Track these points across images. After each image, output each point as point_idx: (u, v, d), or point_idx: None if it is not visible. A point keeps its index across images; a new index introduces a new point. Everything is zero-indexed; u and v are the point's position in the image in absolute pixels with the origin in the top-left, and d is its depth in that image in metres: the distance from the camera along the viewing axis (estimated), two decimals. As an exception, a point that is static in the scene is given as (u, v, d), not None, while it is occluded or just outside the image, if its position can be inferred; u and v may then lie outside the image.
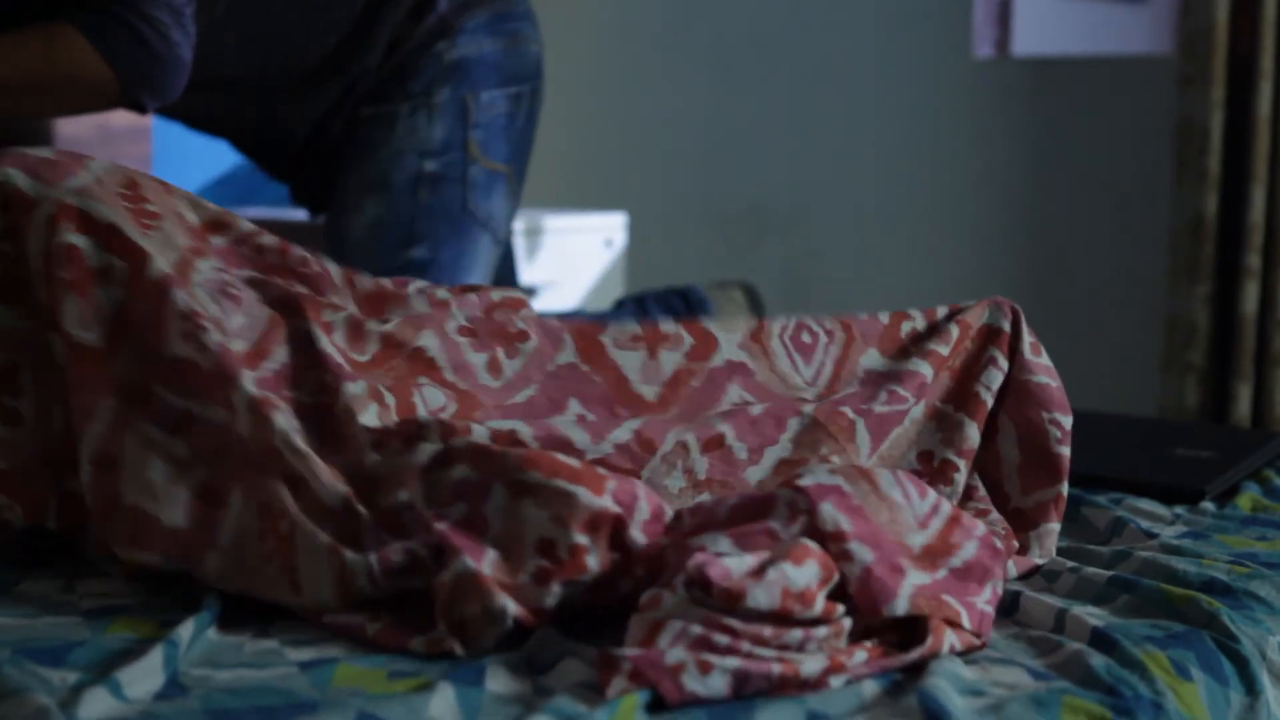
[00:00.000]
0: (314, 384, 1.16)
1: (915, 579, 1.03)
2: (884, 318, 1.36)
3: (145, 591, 1.13)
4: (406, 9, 2.13)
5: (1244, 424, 2.90)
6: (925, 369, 1.31)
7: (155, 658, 0.96)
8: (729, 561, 0.97)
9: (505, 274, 2.41)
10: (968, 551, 1.07)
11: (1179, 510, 1.49)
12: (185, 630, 1.01)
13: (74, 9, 1.84)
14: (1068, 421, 1.32)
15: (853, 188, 3.47)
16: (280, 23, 2.08)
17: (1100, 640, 1.05)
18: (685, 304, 2.47)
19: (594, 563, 1.03)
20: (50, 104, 1.92)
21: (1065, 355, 3.32)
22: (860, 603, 1.01)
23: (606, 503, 1.04)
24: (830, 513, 1.03)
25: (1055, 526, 1.29)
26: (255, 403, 1.10)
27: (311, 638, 1.04)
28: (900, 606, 1.01)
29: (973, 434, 1.31)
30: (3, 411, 1.18)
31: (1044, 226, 3.32)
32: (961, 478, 1.29)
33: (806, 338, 1.31)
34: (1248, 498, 1.54)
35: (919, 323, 1.36)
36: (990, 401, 1.32)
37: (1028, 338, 1.37)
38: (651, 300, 2.46)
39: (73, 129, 2.52)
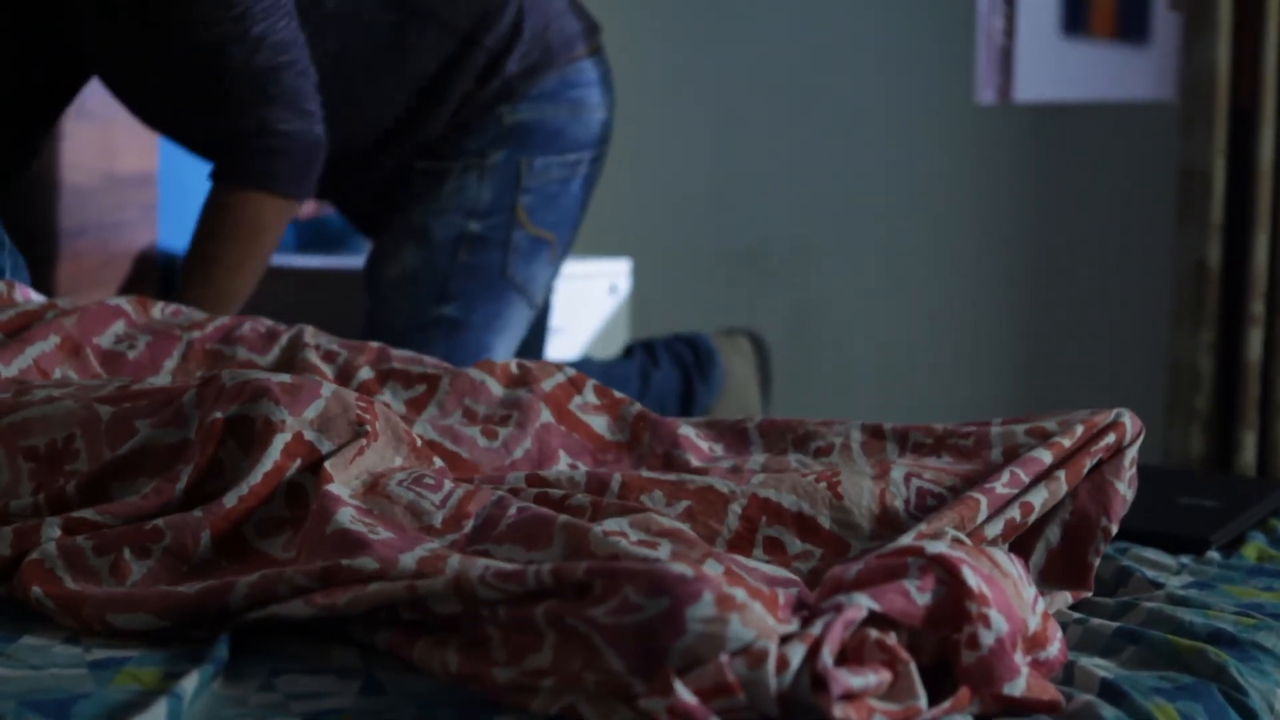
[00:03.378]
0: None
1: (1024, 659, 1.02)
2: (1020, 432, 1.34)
3: (150, 643, 1.12)
4: (475, 73, 2.14)
5: (1249, 471, 2.90)
6: (1046, 456, 1.31)
7: (159, 711, 0.95)
8: (855, 681, 0.93)
9: (536, 334, 2.42)
10: (1053, 649, 1.07)
11: (1184, 560, 1.48)
12: (189, 683, 1.00)
13: (221, 154, 1.93)
14: (1111, 533, 1.32)
15: (856, 231, 3.48)
16: (351, 87, 2.11)
17: (1109, 692, 1.05)
18: (694, 353, 2.47)
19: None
20: (266, 257, 2.01)
21: (1069, 400, 3.33)
22: (978, 672, 0.99)
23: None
24: (974, 577, 1.01)
25: (1068, 598, 1.29)
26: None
27: (316, 689, 1.04)
28: (1019, 687, 1.00)
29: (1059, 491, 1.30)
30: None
31: (1047, 271, 3.32)
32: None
33: (931, 502, 1.28)
34: (1254, 547, 1.53)
35: (1050, 424, 1.35)
36: (1086, 469, 1.32)
37: (1133, 451, 1.36)
38: (661, 348, 2.46)
39: (78, 177, 2.53)
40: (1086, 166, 3.29)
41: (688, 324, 3.61)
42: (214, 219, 1.98)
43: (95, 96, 2.55)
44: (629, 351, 2.47)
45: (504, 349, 2.18)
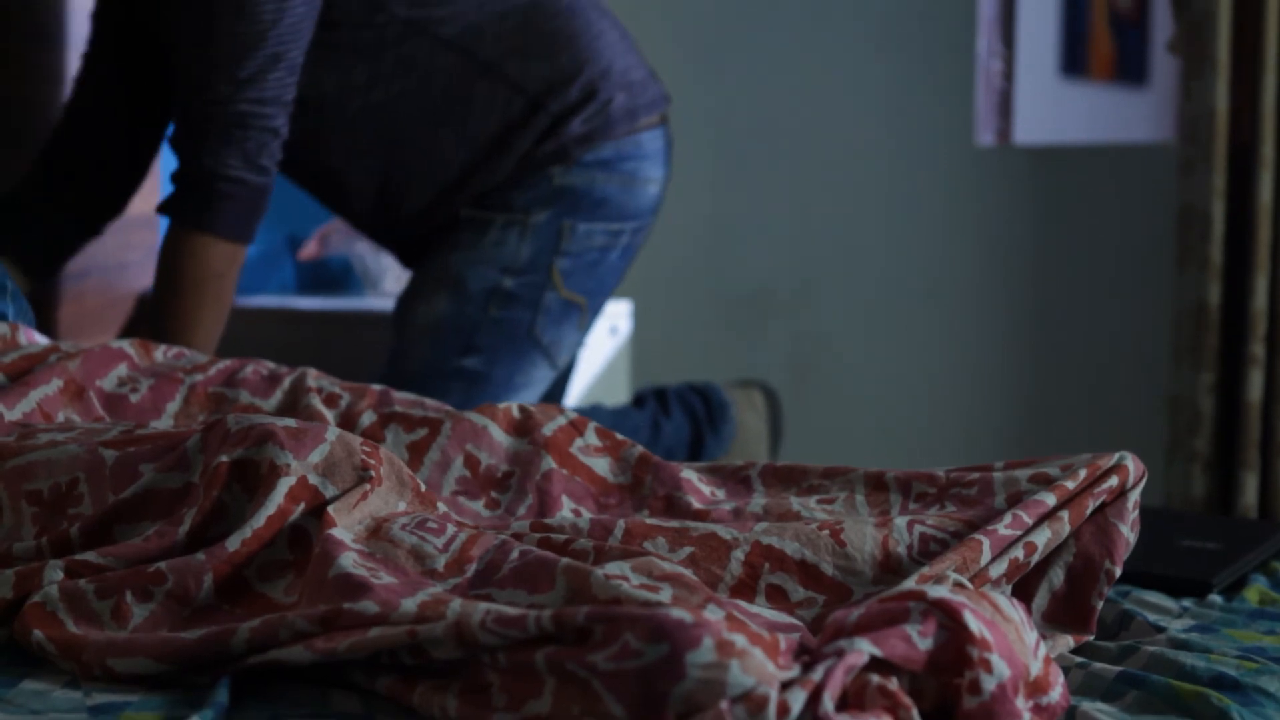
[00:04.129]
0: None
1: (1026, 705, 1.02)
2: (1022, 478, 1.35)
3: (150, 688, 1.12)
4: (536, 134, 2.15)
5: (1251, 513, 2.90)
6: (1049, 499, 1.31)
7: (161, 756, 0.95)
8: None
9: (555, 396, 2.42)
10: (1055, 694, 1.07)
11: (1186, 603, 1.48)
12: (191, 728, 1.01)
13: (177, 192, 1.97)
14: (1115, 575, 1.32)
15: (857, 273, 3.49)
16: (410, 132, 2.13)
17: (1110, 737, 1.05)
18: (705, 404, 2.46)
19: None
20: (223, 303, 2.04)
21: (1069, 438, 3.33)
22: (980, 717, 0.98)
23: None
24: (975, 622, 1.01)
25: (1070, 642, 1.29)
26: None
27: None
28: None
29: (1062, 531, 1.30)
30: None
31: (1047, 312, 3.33)
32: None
33: (934, 547, 1.28)
34: (1255, 590, 1.53)
35: (1053, 469, 1.36)
36: (1089, 510, 1.32)
37: (1135, 494, 1.36)
38: (673, 397, 2.46)
39: (82, 218, 2.53)
40: (1086, 207, 3.30)
41: (689, 366, 3.62)
42: (168, 266, 2.01)
43: (99, 139, 2.56)
44: (640, 400, 2.47)
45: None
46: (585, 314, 2.23)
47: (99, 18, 2.21)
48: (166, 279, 2.01)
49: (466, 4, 2.13)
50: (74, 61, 2.50)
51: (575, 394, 3.02)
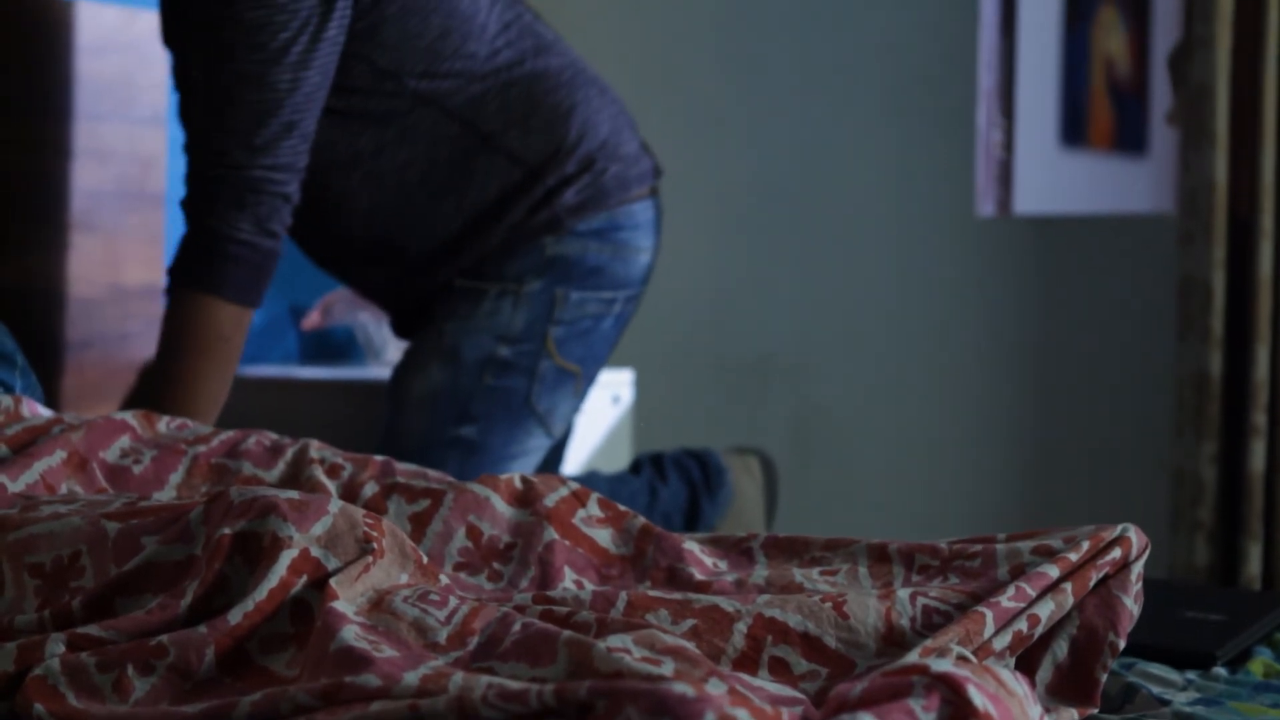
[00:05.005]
0: None
1: None
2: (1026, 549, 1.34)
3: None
4: (530, 204, 2.17)
5: (1254, 584, 2.89)
6: (1053, 571, 1.31)
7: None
8: None
9: (552, 464, 2.42)
10: None
11: (1190, 675, 1.47)
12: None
13: (184, 254, 1.99)
14: (1119, 648, 1.32)
15: (858, 342, 3.49)
16: (411, 199, 2.14)
17: (1116, 812, 1.04)
18: (702, 470, 2.46)
19: None
20: (228, 368, 2.03)
21: (1072, 508, 3.32)
22: None
23: None
24: (979, 696, 1.01)
25: (1075, 716, 1.29)
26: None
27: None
28: None
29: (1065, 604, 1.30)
30: None
31: (1049, 382, 3.33)
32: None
33: (937, 620, 1.28)
34: (1260, 663, 1.53)
35: (1056, 541, 1.36)
36: (1092, 582, 1.32)
37: (1139, 566, 1.36)
38: (669, 463, 2.46)
39: (84, 290, 2.54)
40: (1087, 278, 3.31)
41: (691, 434, 3.61)
42: (173, 329, 2.01)
43: (103, 209, 2.58)
44: (637, 466, 2.47)
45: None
46: (580, 382, 2.24)
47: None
48: (171, 342, 2.01)
49: (474, 75, 2.15)
50: (81, 134, 2.52)
51: (578, 462, 3.02)
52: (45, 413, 1.63)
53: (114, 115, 2.59)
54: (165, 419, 1.64)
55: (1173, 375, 3.08)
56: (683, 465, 2.46)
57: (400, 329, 2.37)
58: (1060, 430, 3.32)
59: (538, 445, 2.21)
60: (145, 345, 2.69)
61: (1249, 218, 2.98)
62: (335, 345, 3.14)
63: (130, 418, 1.60)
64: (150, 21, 2.68)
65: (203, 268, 1.99)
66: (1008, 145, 3.51)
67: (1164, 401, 3.14)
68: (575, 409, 2.26)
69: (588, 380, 2.26)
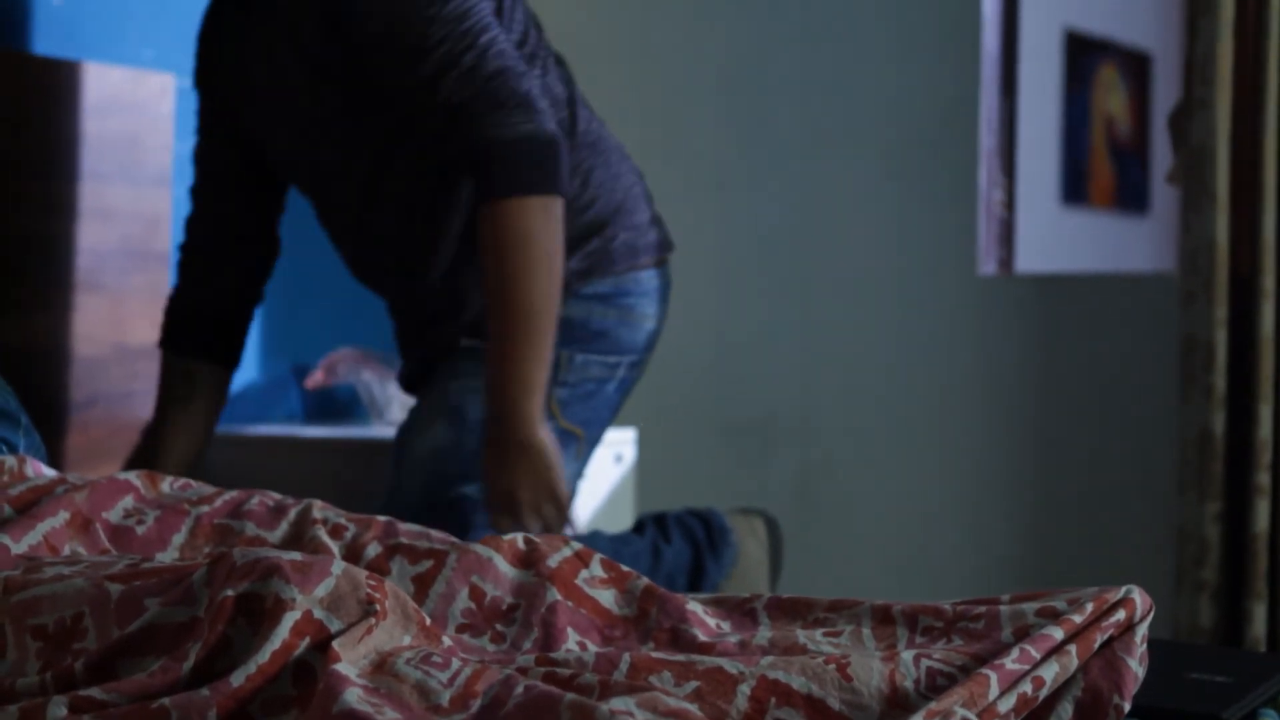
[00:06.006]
0: None
1: None
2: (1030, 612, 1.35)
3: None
4: None
5: (1260, 644, 2.88)
6: (1057, 633, 1.31)
7: None
8: None
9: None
10: None
11: (1196, 738, 1.47)
12: None
13: (475, 173, 2.00)
14: (1124, 710, 1.31)
15: (861, 401, 3.50)
16: (424, 257, 2.16)
17: None
18: (706, 529, 2.46)
19: None
20: (551, 264, 2.02)
21: (1075, 568, 3.31)
22: None
23: None
24: None
25: None
26: None
27: None
28: None
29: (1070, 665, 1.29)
30: None
31: (1051, 441, 3.33)
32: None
33: (941, 682, 1.28)
34: (1265, 725, 1.52)
35: (1060, 603, 1.36)
36: (1097, 644, 1.32)
37: (1143, 628, 1.36)
38: (672, 522, 2.46)
39: (89, 349, 2.55)
40: (1089, 337, 3.32)
41: (694, 493, 3.61)
42: (487, 243, 2.00)
43: (108, 269, 2.59)
44: (640, 526, 2.47)
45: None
46: (582, 444, 2.24)
47: (206, 114, 2.31)
48: (491, 257, 1.99)
49: None
50: (86, 194, 2.54)
51: (580, 521, 3.02)
52: (49, 472, 1.64)
53: (119, 175, 2.61)
54: (169, 479, 1.64)
55: (1175, 434, 3.08)
56: (686, 525, 2.46)
57: (408, 382, 2.38)
58: (1063, 489, 3.32)
59: None
60: (149, 404, 2.69)
61: (1250, 277, 2.98)
62: (339, 404, 3.14)
63: (134, 478, 1.60)
64: (158, 82, 2.70)
65: (496, 176, 1.99)
66: (1009, 204, 3.52)
67: (1167, 461, 3.14)
68: (578, 473, 2.26)
69: (590, 444, 2.25)
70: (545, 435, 2.03)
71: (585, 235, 2.20)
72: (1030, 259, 3.64)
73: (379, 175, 2.17)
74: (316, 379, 3.00)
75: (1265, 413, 2.92)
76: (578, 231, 2.19)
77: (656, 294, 2.28)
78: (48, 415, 2.45)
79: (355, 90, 2.11)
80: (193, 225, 2.36)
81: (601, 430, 2.28)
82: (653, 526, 2.45)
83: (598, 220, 2.21)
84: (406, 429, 2.23)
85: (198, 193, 2.35)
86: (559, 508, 2.05)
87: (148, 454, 2.32)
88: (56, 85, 2.51)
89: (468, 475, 2.14)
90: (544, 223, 1.99)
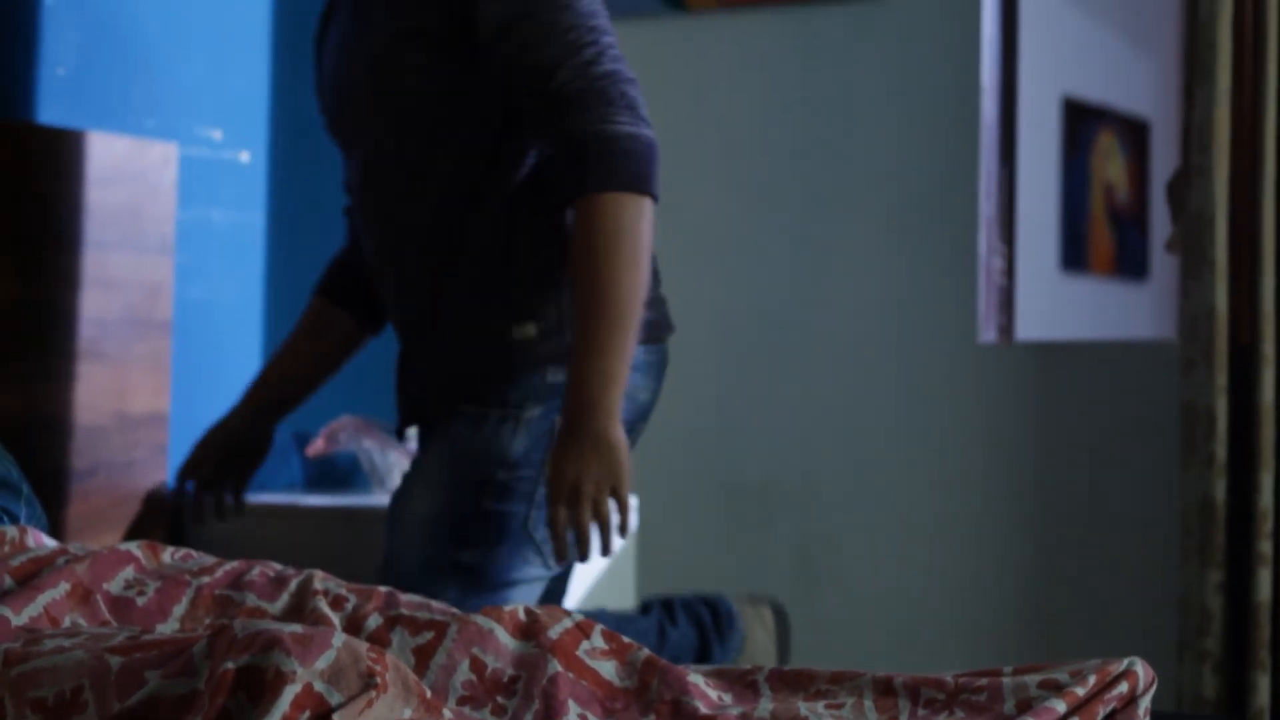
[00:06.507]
0: None
1: None
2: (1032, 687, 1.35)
3: None
4: (540, 327, 2.18)
5: (1263, 715, 2.87)
6: (1060, 705, 1.31)
7: None
8: None
9: (555, 596, 2.41)
10: None
11: (1201, 810, 1.46)
12: None
13: (575, 164, 2.05)
14: None
15: (862, 469, 3.49)
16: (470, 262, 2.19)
17: None
18: (713, 614, 2.46)
19: None
20: (639, 258, 2.07)
21: (1077, 637, 3.30)
22: None
23: None
24: None
25: None
26: None
27: None
28: None
29: None
30: None
31: (1053, 508, 3.33)
32: None
33: None
34: (1270, 797, 1.51)
35: (1062, 675, 1.36)
36: (1099, 717, 1.31)
37: (1146, 700, 1.36)
38: (679, 606, 2.45)
39: (90, 418, 2.55)
40: (1089, 404, 3.32)
41: (694, 559, 3.61)
42: (582, 235, 2.04)
43: (110, 338, 2.59)
44: (646, 608, 2.46)
45: (517, 602, 2.17)
46: None
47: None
48: (583, 248, 2.03)
49: (542, 182, 2.18)
50: (89, 263, 2.54)
51: (582, 588, 3.01)
52: (50, 543, 1.64)
53: (122, 244, 2.62)
54: (170, 549, 1.64)
55: (1177, 503, 3.07)
56: (693, 609, 2.45)
57: (403, 428, 2.37)
58: (1065, 558, 3.31)
59: (535, 575, 2.20)
60: (150, 473, 2.69)
61: (1250, 344, 2.99)
62: (340, 472, 3.14)
63: (135, 548, 1.60)
64: (161, 151, 2.71)
65: (597, 169, 2.03)
66: (1009, 271, 3.53)
67: (1168, 529, 3.14)
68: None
69: None
70: (619, 432, 2.05)
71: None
72: (1030, 325, 3.64)
73: (427, 158, 2.18)
74: (317, 447, 3.00)
75: (1266, 481, 2.92)
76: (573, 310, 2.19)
77: (653, 370, 2.28)
78: (49, 484, 2.45)
79: (439, 63, 2.13)
80: (345, 188, 2.42)
81: None
82: (659, 608, 2.44)
83: None
84: (400, 494, 2.22)
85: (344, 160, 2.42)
86: (620, 507, 2.06)
87: (265, 379, 2.45)
88: (60, 154, 2.52)
89: (464, 541, 2.14)
90: (639, 221, 2.04)
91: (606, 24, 2.11)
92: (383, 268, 2.26)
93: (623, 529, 2.10)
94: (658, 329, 2.31)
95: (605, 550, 2.05)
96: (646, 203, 2.05)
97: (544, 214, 2.17)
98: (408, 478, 2.23)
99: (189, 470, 2.48)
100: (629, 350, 2.05)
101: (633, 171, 2.04)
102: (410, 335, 2.27)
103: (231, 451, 2.48)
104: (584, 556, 2.04)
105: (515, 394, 2.16)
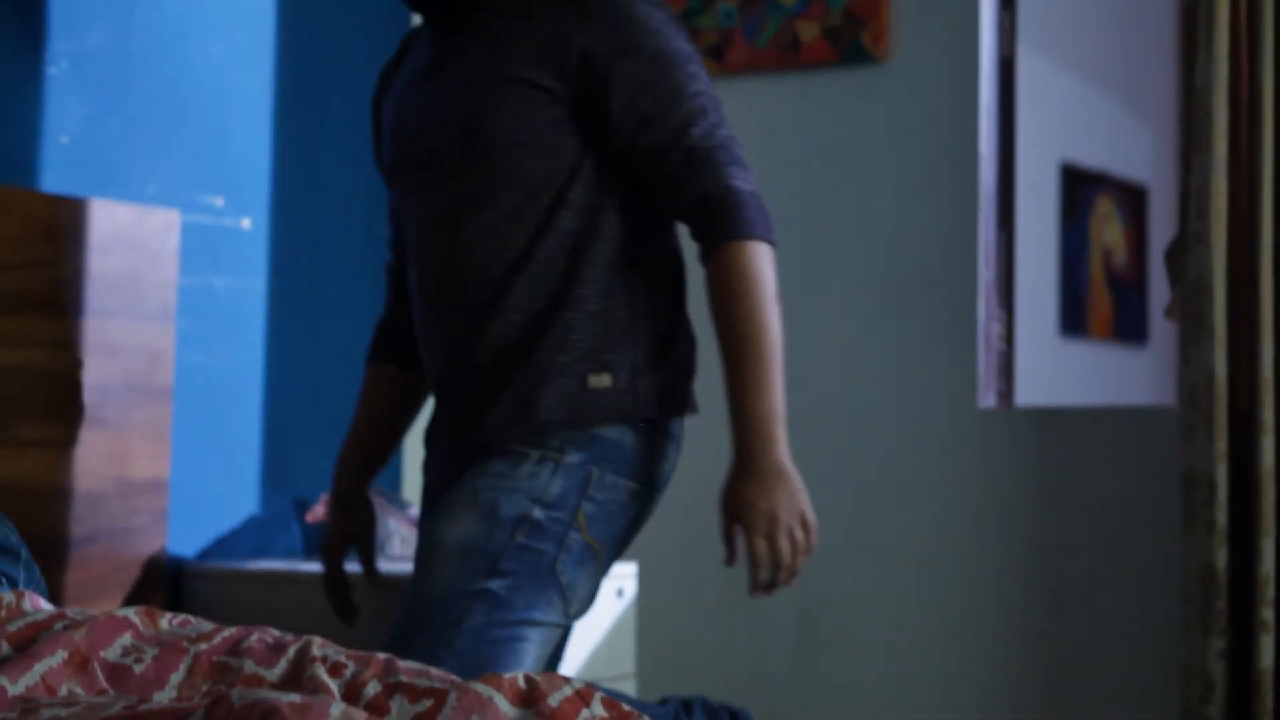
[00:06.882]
0: None
1: None
2: None
3: None
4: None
5: (1267, 782, 2.85)
6: None
7: None
8: None
9: (553, 657, 2.41)
10: None
11: None
12: None
13: (708, 219, 2.21)
14: None
15: (862, 535, 3.49)
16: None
17: None
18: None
19: None
20: (774, 300, 2.25)
21: (1080, 707, 3.28)
22: None
23: None
24: None
25: None
26: None
27: None
28: None
29: None
30: None
31: (1053, 575, 3.32)
32: None
33: None
34: None
35: None
36: None
37: None
38: (698, 705, 2.46)
39: (90, 484, 2.55)
40: (1089, 471, 3.32)
41: (694, 626, 3.60)
42: (722, 282, 2.21)
43: (110, 404, 2.59)
44: (664, 700, 2.47)
45: (532, 649, 2.17)
46: (600, 564, 2.24)
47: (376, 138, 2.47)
48: (730, 292, 2.21)
49: (604, 251, 2.26)
50: (90, 330, 2.55)
51: (582, 655, 3.00)
52: (48, 607, 1.63)
53: (123, 311, 2.63)
54: (168, 615, 1.63)
55: (1178, 570, 3.06)
56: (713, 711, 2.47)
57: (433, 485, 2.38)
58: (1066, 626, 3.30)
59: (554, 621, 2.20)
60: (149, 539, 2.69)
61: (1250, 410, 2.99)
62: (339, 538, 3.13)
63: (133, 615, 1.59)
64: (162, 218, 2.73)
65: (729, 221, 2.19)
66: (1008, 337, 3.54)
67: (1169, 597, 3.13)
68: (591, 595, 2.25)
69: (605, 564, 2.26)
70: (793, 465, 2.23)
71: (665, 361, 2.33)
72: (1030, 391, 3.64)
73: (529, 208, 2.25)
74: (317, 513, 3.00)
75: (1268, 547, 2.91)
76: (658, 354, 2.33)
77: (676, 441, 2.38)
78: (49, 550, 2.45)
79: (550, 115, 2.22)
80: (390, 245, 2.49)
81: (615, 557, 2.29)
82: (677, 704, 2.45)
83: (679, 357, 2.38)
84: (435, 520, 2.22)
85: (389, 214, 2.48)
86: (808, 532, 2.23)
87: (345, 449, 2.49)
88: (62, 222, 2.54)
89: (495, 570, 2.14)
90: (770, 267, 2.22)
91: (716, 93, 2.27)
92: (444, 309, 2.28)
93: (809, 552, 2.25)
94: (686, 403, 2.38)
95: (792, 576, 2.22)
96: (773, 251, 2.23)
97: (636, 270, 2.30)
98: (444, 505, 2.23)
99: (332, 561, 2.49)
100: (782, 386, 2.23)
101: (764, 223, 2.21)
102: (465, 376, 2.27)
103: (353, 533, 2.51)
104: (786, 583, 2.21)
105: (557, 439, 2.19)
